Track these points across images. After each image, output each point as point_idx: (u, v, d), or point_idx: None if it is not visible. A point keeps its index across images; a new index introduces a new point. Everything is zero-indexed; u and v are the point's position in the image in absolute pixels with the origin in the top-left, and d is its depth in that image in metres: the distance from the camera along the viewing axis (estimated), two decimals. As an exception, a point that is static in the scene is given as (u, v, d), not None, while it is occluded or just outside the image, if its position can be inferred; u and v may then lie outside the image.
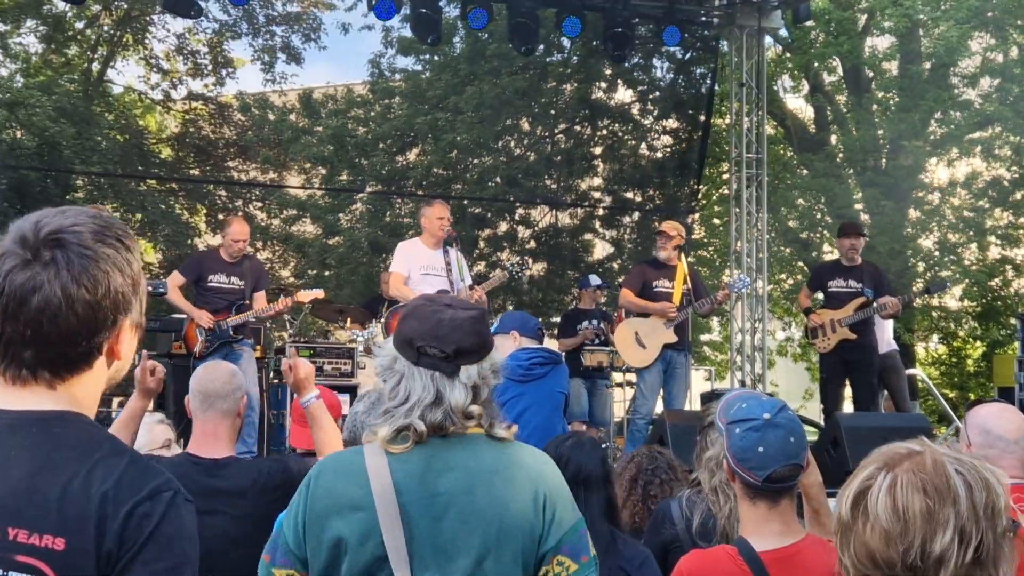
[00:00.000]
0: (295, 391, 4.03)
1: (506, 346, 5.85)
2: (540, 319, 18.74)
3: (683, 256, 9.57)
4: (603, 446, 4.03)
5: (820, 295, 10.21)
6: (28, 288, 1.68)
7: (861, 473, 1.87)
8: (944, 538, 1.73)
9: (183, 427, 6.29)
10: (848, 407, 10.25)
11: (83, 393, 1.77)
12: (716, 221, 21.01)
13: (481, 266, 18.80)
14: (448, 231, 8.68)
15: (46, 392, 1.73)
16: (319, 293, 9.92)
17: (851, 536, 1.82)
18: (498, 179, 19.73)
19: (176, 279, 9.22)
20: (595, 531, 3.58)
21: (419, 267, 8.59)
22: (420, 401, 2.39)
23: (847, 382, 9.96)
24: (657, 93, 19.71)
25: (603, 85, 20.06)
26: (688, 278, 9.36)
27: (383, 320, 9.29)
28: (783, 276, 20.27)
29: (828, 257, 17.12)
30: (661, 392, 9.46)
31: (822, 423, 10.44)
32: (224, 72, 21.66)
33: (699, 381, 15.70)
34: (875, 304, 9.52)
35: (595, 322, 11.56)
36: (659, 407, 9.51)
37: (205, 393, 3.72)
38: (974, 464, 1.81)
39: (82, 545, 1.63)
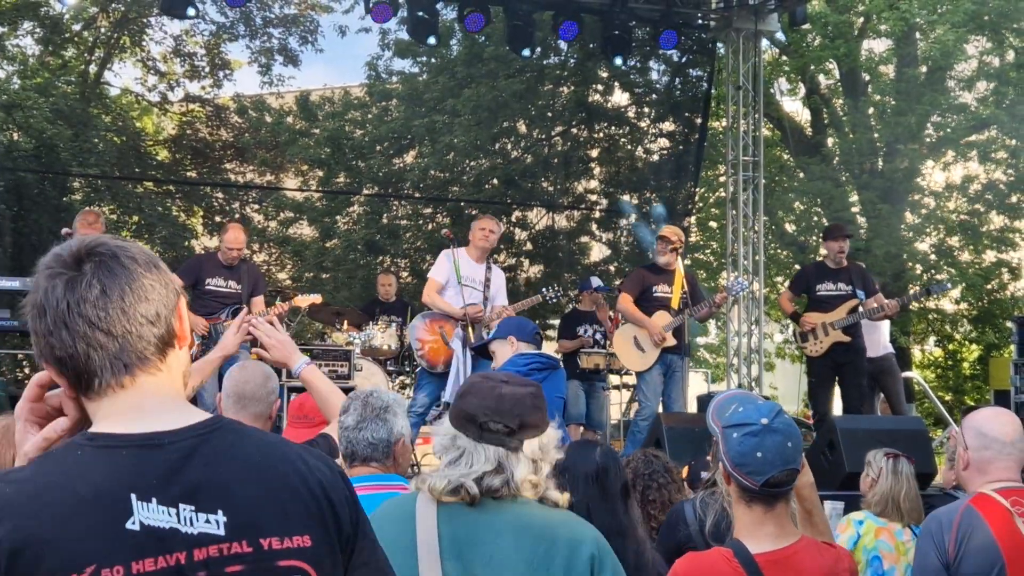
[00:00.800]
0: (279, 366, 3.89)
1: (504, 351, 5.87)
2: (536, 322, 18.83)
3: (681, 260, 9.57)
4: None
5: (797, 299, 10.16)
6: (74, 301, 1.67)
7: None
8: None
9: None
10: (837, 410, 10.23)
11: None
12: (713, 224, 21.04)
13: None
14: (491, 244, 8.77)
15: (175, 402, 1.72)
16: (317, 298, 9.93)
17: None
18: (495, 181, 19.75)
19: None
20: (638, 540, 3.60)
21: (464, 276, 8.63)
22: (482, 469, 2.40)
23: (835, 385, 9.92)
24: (654, 96, 19.71)
25: (600, 88, 20.08)
26: (686, 282, 9.36)
27: (410, 325, 9.33)
28: (780, 279, 20.27)
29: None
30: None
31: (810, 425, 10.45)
32: (221, 74, 21.66)
33: (697, 384, 15.72)
34: (874, 306, 9.51)
35: (595, 326, 11.58)
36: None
37: (239, 395, 3.72)
38: None
39: (324, 536, 1.69)
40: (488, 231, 8.72)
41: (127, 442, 1.62)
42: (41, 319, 1.66)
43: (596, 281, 12.37)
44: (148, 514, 1.56)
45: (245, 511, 1.63)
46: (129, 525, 1.54)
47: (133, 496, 1.56)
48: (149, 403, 1.67)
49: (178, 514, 1.58)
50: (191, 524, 1.58)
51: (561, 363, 11.28)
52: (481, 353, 6.37)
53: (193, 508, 1.59)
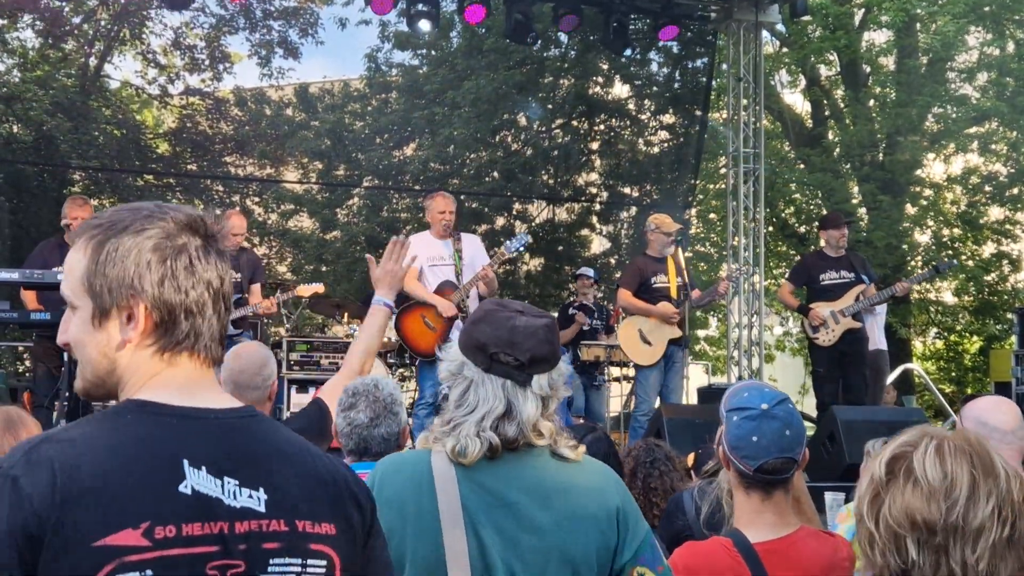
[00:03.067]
0: (375, 284, 3.84)
1: None
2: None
3: (679, 250, 9.57)
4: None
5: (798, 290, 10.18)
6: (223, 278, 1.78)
7: (896, 441, 1.88)
8: (986, 509, 1.76)
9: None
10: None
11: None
12: (713, 216, 21.02)
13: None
14: (447, 225, 8.68)
15: (219, 390, 1.81)
16: (319, 288, 9.92)
17: (886, 497, 1.83)
18: (495, 174, 19.75)
19: None
20: None
21: (427, 258, 8.59)
22: (491, 412, 2.32)
23: (841, 375, 9.92)
24: (654, 88, 19.71)
25: (600, 80, 20.05)
26: (680, 271, 9.36)
27: (391, 326, 9.27)
28: (780, 271, 20.27)
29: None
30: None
31: (814, 417, 10.45)
32: (221, 67, 21.62)
33: (698, 376, 15.72)
34: (887, 288, 9.62)
35: (593, 317, 11.58)
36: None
37: (236, 383, 3.75)
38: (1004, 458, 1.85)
39: (347, 527, 1.76)
40: (447, 212, 8.68)
41: (176, 412, 1.69)
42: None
43: (585, 270, 12.40)
44: (200, 481, 1.63)
45: (283, 492, 1.70)
46: (182, 488, 1.60)
47: (186, 462, 1.63)
48: (196, 383, 1.76)
49: (222, 486, 1.65)
50: (234, 497, 1.65)
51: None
52: None
53: (237, 483, 1.66)
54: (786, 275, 11.90)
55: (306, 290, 9.73)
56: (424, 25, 12.18)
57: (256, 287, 9.31)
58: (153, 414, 1.67)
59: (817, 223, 19.30)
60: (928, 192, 19.87)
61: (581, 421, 10.87)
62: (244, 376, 3.73)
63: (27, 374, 14.36)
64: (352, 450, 3.66)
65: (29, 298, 8.46)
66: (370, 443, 3.58)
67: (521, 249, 9.07)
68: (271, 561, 1.66)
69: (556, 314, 13.99)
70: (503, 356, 2.33)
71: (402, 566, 2.26)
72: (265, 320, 9.70)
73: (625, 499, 2.41)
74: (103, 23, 21.13)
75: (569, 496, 2.33)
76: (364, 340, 3.81)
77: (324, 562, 1.70)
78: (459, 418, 2.35)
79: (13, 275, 7.50)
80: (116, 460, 1.58)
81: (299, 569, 1.68)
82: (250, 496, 1.66)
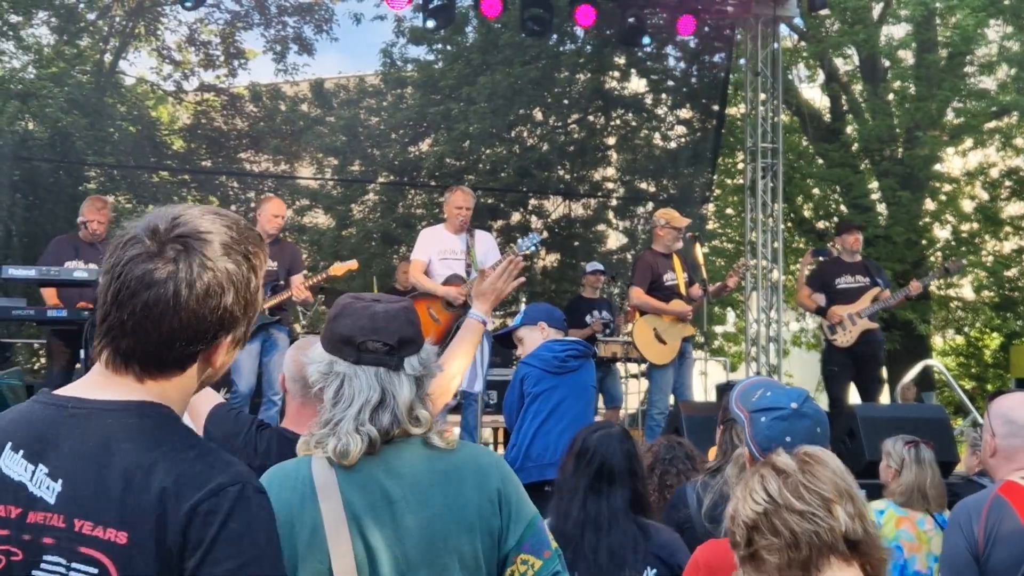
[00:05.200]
0: (474, 298, 3.67)
1: (534, 337, 5.88)
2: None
3: (697, 245, 9.58)
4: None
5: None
6: (144, 281, 1.69)
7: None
8: None
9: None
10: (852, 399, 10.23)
11: (172, 391, 1.78)
12: (730, 211, 20.93)
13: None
14: (463, 221, 8.62)
15: (134, 384, 1.75)
16: (353, 264, 9.82)
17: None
18: (511, 169, 19.67)
19: None
20: (619, 524, 3.55)
21: (438, 252, 8.59)
22: (367, 403, 2.29)
23: (854, 374, 9.98)
24: (671, 83, 19.62)
25: (616, 75, 19.97)
26: (684, 266, 9.36)
27: None
28: (798, 266, 20.17)
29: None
30: None
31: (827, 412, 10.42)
32: (236, 63, 21.64)
33: (716, 373, 15.63)
34: (901, 289, 9.75)
35: (603, 313, 11.50)
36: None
37: (305, 378, 3.66)
38: None
39: (144, 540, 1.62)
40: (465, 208, 8.63)
41: (50, 401, 1.74)
42: None
43: (593, 264, 12.30)
44: (11, 464, 1.67)
45: (77, 488, 1.65)
46: None
47: (9, 444, 1.68)
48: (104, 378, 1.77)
49: (33, 473, 1.66)
50: (39, 486, 1.66)
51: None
52: (504, 342, 6.25)
53: (47, 471, 1.66)
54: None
55: (340, 268, 9.62)
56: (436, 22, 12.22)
57: (297, 277, 9.16)
58: (39, 402, 1.76)
59: (835, 218, 19.32)
60: (948, 187, 19.73)
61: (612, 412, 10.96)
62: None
63: (43, 371, 14.37)
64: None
65: (49, 294, 8.46)
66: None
67: (533, 248, 9.02)
68: (44, 557, 1.63)
69: (566, 309, 13.94)
70: (371, 344, 2.33)
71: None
72: (292, 315, 9.67)
73: (507, 481, 2.37)
74: (118, 19, 21.17)
75: (448, 485, 2.30)
76: (461, 358, 3.55)
77: (94, 570, 1.61)
78: (338, 415, 2.31)
79: (30, 272, 7.52)
80: None
81: (63, 571, 1.62)
82: (47, 487, 1.64)
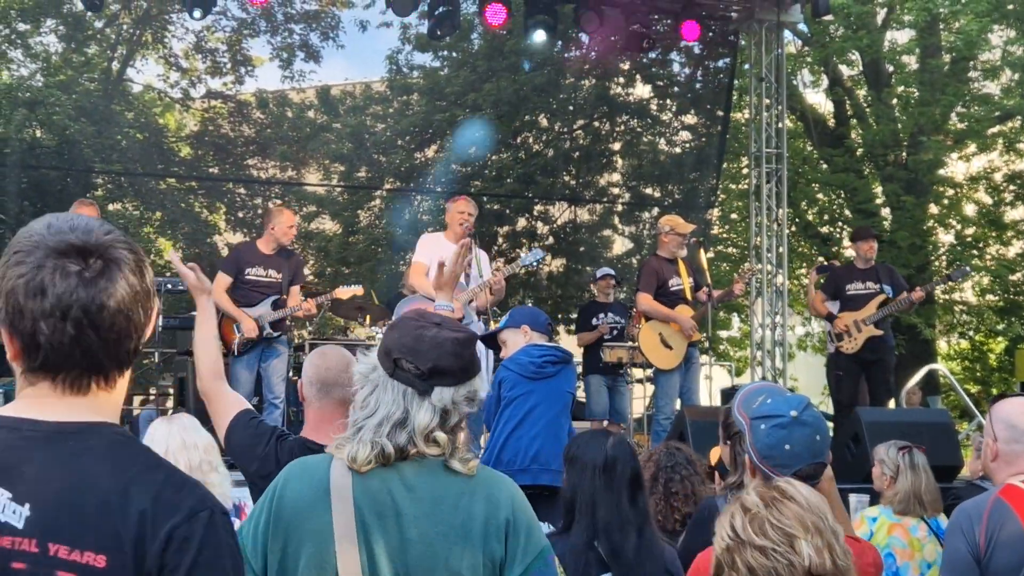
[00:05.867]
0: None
1: (516, 340, 5.82)
2: (559, 315, 18.82)
3: (701, 250, 9.62)
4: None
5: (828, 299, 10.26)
6: (87, 299, 1.67)
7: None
8: None
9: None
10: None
11: (109, 408, 1.76)
12: (735, 216, 20.95)
13: (500, 263, 18.77)
14: (468, 228, 8.60)
15: (82, 401, 1.72)
16: (358, 290, 9.85)
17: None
18: (516, 175, 19.70)
19: (222, 281, 8.83)
20: (644, 533, 3.59)
21: (436, 259, 8.50)
22: (388, 417, 2.34)
23: (862, 379, 9.99)
24: (675, 89, 19.65)
25: (621, 81, 19.99)
26: (689, 270, 9.41)
27: (394, 317, 9.21)
28: (803, 271, 20.19)
29: (849, 252, 17.03)
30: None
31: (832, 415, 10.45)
32: (243, 70, 21.69)
33: (721, 377, 15.66)
34: (903, 296, 9.72)
35: (611, 315, 11.49)
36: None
37: (323, 381, 3.69)
38: None
39: (122, 563, 1.62)
40: (467, 214, 8.56)
41: (2, 423, 1.70)
42: None
43: (603, 270, 12.30)
44: None
45: (48, 511, 1.62)
46: None
47: None
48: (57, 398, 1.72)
49: None
50: (3, 511, 1.61)
51: (581, 356, 11.35)
52: (489, 343, 6.22)
53: (10, 496, 1.62)
54: (807, 274, 11.99)
55: (345, 292, 9.67)
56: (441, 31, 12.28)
57: (295, 288, 9.22)
58: None
59: (840, 223, 19.34)
60: (951, 192, 19.75)
61: (605, 423, 10.86)
62: (331, 374, 3.68)
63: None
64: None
65: None
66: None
67: (535, 265, 9.04)
68: None
69: (576, 315, 13.95)
70: (405, 363, 2.36)
71: (296, 568, 2.28)
72: (288, 322, 9.68)
73: (518, 513, 2.39)
74: (125, 27, 21.23)
75: (457, 508, 2.33)
76: None
77: None
78: (361, 421, 2.37)
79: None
80: None
81: None
82: (13, 512, 1.61)
